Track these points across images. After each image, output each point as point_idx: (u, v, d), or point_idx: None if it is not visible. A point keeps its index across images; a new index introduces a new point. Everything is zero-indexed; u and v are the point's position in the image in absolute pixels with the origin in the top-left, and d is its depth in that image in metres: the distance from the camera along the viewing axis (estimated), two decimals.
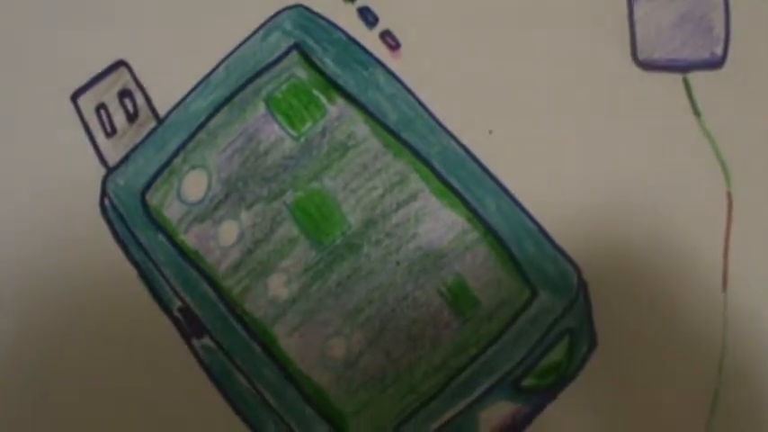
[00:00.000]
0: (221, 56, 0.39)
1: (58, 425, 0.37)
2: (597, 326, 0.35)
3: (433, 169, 0.36)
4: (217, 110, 0.38)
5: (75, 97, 0.39)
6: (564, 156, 0.36)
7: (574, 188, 0.36)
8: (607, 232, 0.36)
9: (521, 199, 0.36)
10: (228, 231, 0.37)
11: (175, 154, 0.38)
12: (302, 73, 0.38)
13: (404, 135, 0.37)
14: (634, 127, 0.36)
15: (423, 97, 0.37)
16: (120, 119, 0.39)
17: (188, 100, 0.38)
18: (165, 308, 0.37)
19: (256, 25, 0.39)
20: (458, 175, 0.36)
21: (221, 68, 0.38)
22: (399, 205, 0.36)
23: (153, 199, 0.38)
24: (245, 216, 0.37)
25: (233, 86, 0.38)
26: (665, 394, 0.35)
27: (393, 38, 0.38)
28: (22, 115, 0.39)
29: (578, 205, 0.36)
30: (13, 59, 0.40)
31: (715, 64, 0.37)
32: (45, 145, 0.39)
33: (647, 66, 0.37)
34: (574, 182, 0.36)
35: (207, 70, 0.39)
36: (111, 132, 0.39)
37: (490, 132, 0.37)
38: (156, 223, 0.37)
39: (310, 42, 0.38)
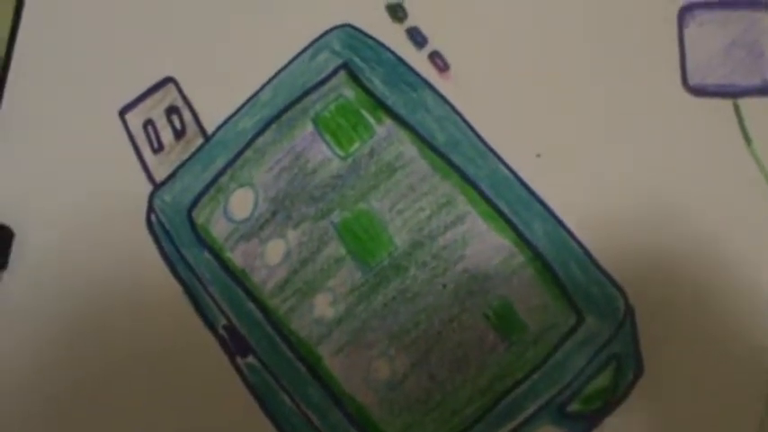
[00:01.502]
0: (269, 74, 0.39)
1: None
2: (644, 352, 0.35)
3: (480, 192, 0.36)
4: (264, 128, 0.38)
5: (123, 113, 0.39)
6: (612, 181, 0.36)
7: (622, 213, 0.36)
8: (655, 258, 0.36)
9: (568, 223, 0.36)
10: (275, 250, 0.37)
11: (222, 171, 0.38)
12: (350, 93, 0.38)
13: (452, 157, 0.37)
14: (684, 153, 0.36)
15: (471, 119, 0.37)
16: (167, 135, 0.39)
17: (236, 118, 0.38)
18: (211, 326, 0.37)
19: (305, 44, 0.39)
20: (505, 199, 0.36)
21: (269, 87, 0.39)
22: (446, 227, 0.36)
23: (199, 216, 0.38)
24: (291, 235, 0.37)
25: (281, 105, 0.38)
26: (710, 423, 0.35)
27: (442, 59, 0.38)
28: (71, 131, 0.39)
29: (626, 230, 0.36)
30: (64, 75, 0.40)
31: (766, 90, 0.36)
32: (93, 160, 0.39)
33: (698, 91, 0.37)
34: (622, 207, 0.36)
35: (255, 88, 0.39)
36: (158, 149, 0.39)
37: (538, 156, 0.37)
38: (203, 240, 0.37)
39: (358, 62, 0.38)
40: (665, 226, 0.36)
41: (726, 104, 0.36)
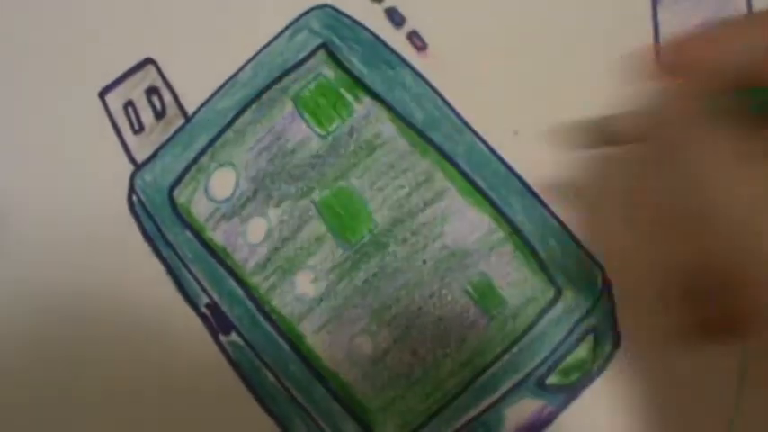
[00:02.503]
0: (249, 55, 0.39)
1: (81, 416, 0.38)
2: (621, 325, 0.36)
3: (458, 169, 0.37)
4: (244, 108, 0.38)
5: (103, 95, 0.39)
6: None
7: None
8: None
9: (545, 199, 0.36)
10: (256, 229, 0.37)
11: (203, 152, 0.38)
12: (329, 72, 0.38)
13: (430, 134, 0.37)
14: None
15: (449, 97, 0.38)
16: (147, 116, 0.39)
17: (216, 98, 0.39)
18: (193, 304, 0.37)
19: (284, 25, 0.39)
20: (483, 175, 0.37)
21: (249, 67, 0.39)
22: (426, 204, 0.37)
23: (181, 196, 0.38)
24: (272, 214, 0.37)
25: (260, 85, 0.38)
26: (687, 393, 0.35)
27: (420, 38, 0.38)
28: (51, 113, 0.39)
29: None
30: (43, 57, 0.40)
31: None
32: (74, 142, 0.39)
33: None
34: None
35: (234, 69, 0.39)
36: (138, 130, 0.39)
37: (516, 133, 0.37)
38: (184, 220, 0.38)
39: (337, 42, 0.38)
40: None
41: None
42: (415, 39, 0.38)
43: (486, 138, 0.37)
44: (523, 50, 0.38)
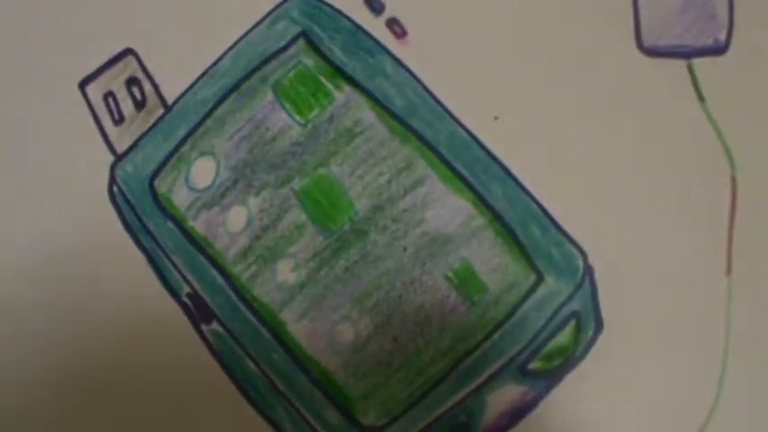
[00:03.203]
0: (228, 44, 0.39)
1: (60, 407, 0.38)
2: (603, 310, 0.36)
3: (439, 155, 0.37)
4: (224, 97, 0.38)
5: (82, 85, 0.39)
6: (568, 141, 0.37)
7: (578, 173, 0.36)
8: (612, 217, 0.36)
9: (526, 184, 0.36)
10: (237, 218, 0.37)
11: (183, 141, 0.38)
12: (309, 60, 0.38)
13: (410, 121, 0.37)
14: (639, 113, 0.37)
15: (429, 84, 0.38)
16: (127, 107, 0.39)
17: (195, 88, 0.39)
18: (175, 294, 0.37)
19: (263, 13, 0.39)
20: (464, 161, 0.37)
21: (228, 56, 0.39)
22: (406, 191, 0.37)
23: (161, 186, 0.38)
24: (253, 202, 0.37)
25: (240, 74, 0.38)
26: (670, 378, 0.35)
27: (399, 25, 0.38)
28: (30, 103, 0.39)
29: (583, 190, 0.36)
30: (21, 47, 0.40)
31: (719, 50, 0.37)
32: (53, 133, 0.39)
33: (652, 52, 0.37)
34: (578, 167, 0.37)
35: (214, 58, 0.39)
36: (119, 120, 0.39)
37: (496, 118, 0.37)
38: (165, 210, 0.38)
39: (317, 30, 0.38)
40: (621, 185, 0.36)
41: (680, 65, 0.37)
42: (395, 26, 0.38)
43: (466, 124, 0.37)
44: (502, 36, 0.38)
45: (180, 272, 0.37)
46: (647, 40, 0.37)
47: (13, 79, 0.40)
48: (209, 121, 0.38)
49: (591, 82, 0.37)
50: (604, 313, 0.36)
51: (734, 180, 0.36)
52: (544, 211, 0.36)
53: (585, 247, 0.36)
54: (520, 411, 0.36)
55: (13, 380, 0.38)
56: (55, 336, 0.38)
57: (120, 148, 0.39)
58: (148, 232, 0.38)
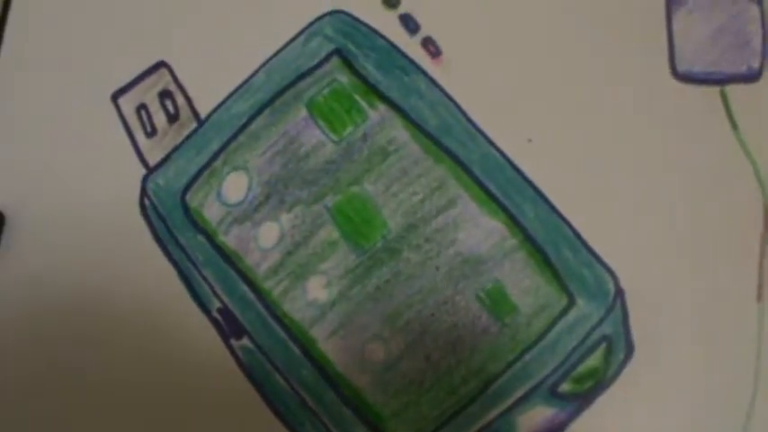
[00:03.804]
0: (262, 59, 0.39)
1: (89, 420, 0.37)
2: (634, 333, 0.36)
3: (472, 176, 0.37)
4: (258, 113, 0.38)
5: (115, 97, 0.39)
6: (602, 165, 0.37)
7: (611, 196, 0.37)
8: (644, 241, 0.36)
9: (559, 206, 0.36)
10: (269, 233, 0.37)
11: (216, 155, 0.38)
12: (344, 78, 0.38)
13: (444, 141, 0.37)
14: (672, 138, 0.37)
15: (463, 104, 0.38)
16: (160, 120, 0.39)
17: (229, 102, 0.39)
18: (205, 309, 0.37)
19: (298, 29, 0.39)
20: (497, 182, 0.37)
21: (262, 72, 0.39)
22: (439, 211, 0.37)
23: (193, 200, 0.38)
24: (285, 218, 0.37)
25: (274, 90, 0.38)
26: (700, 403, 0.35)
27: (434, 45, 0.38)
28: (63, 115, 0.39)
29: (615, 214, 0.36)
30: (56, 59, 0.40)
31: (752, 77, 0.37)
32: (86, 145, 0.39)
33: (686, 78, 0.37)
34: (611, 191, 0.37)
35: (248, 73, 0.39)
36: (151, 133, 0.39)
37: (529, 140, 0.37)
38: (196, 224, 0.38)
39: (352, 48, 0.38)
40: (654, 209, 0.36)
41: (713, 91, 0.37)
42: (430, 45, 0.38)
43: (499, 145, 0.37)
44: (537, 57, 0.38)
45: (210, 286, 0.37)
46: (681, 66, 0.37)
47: (47, 90, 0.40)
48: (241, 136, 0.38)
49: (624, 106, 0.37)
50: (635, 337, 0.36)
51: (766, 207, 0.36)
52: (576, 233, 0.36)
53: (617, 271, 0.36)
54: None
55: (36, 391, 0.38)
56: (80, 347, 0.38)
57: (152, 161, 0.39)
58: (179, 246, 0.38)
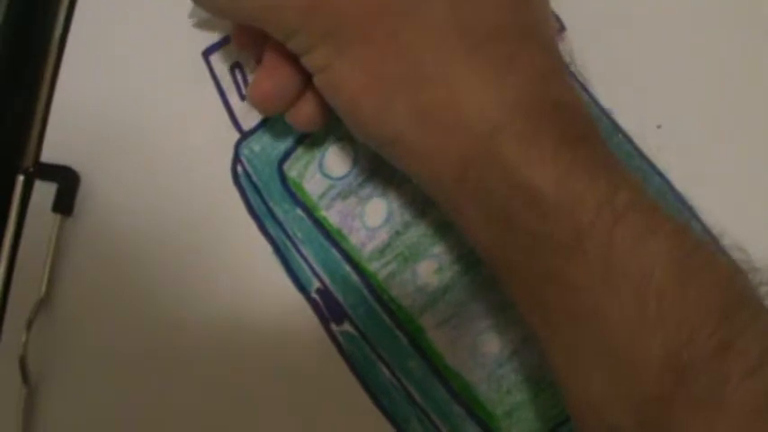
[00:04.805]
0: None
1: (178, 406, 0.34)
2: None
3: None
4: None
5: (207, 54, 0.36)
6: None
7: None
8: None
9: None
10: (375, 211, 0.34)
11: None
12: None
13: None
14: None
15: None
16: None
17: None
18: (303, 289, 0.34)
19: None
20: None
21: None
22: None
23: (291, 170, 0.35)
24: (394, 195, 0.34)
25: None
26: None
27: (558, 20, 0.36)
28: (148, 72, 0.36)
29: None
30: (142, 10, 0.36)
31: None
32: (172, 106, 0.36)
33: None
34: None
35: None
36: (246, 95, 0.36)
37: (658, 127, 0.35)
38: (295, 197, 0.35)
39: None
40: None
41: None
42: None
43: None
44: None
45: (309, 265, 0.34)
46: None
47: (131, 45, 0.36)
48: None
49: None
50: None
51: None
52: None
53: None
54: None
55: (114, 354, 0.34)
56: (162, 321, 0.34)
57: (247, 126, 0.35)
58: (275, 219, 0.35)
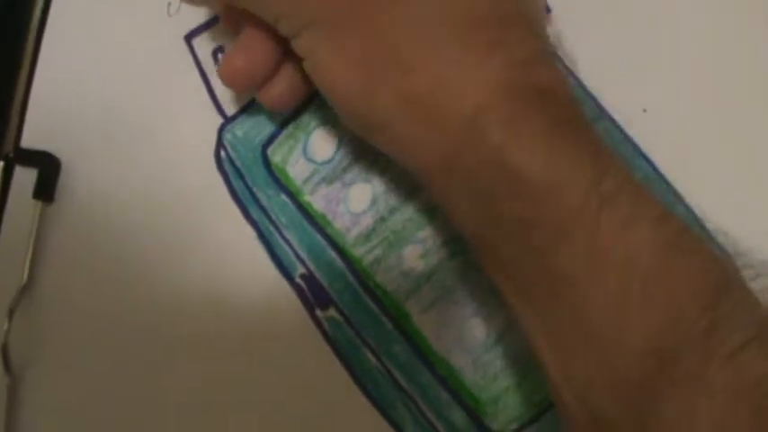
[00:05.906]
0: None
1: (163, 393, 0.34)
2: None
3: None
4: None
5: (189, 38, 0.36)
6: None
7: None
8: None
9: None
10: (360, 195, 0.34)
11: (303, 107, 0.35)
12: None
13: None
14: None
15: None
16: None
17: None
18: (287, 274, 0.34)
19: None
20: None
21: None
22: None
23: (275, 154, 0.34)
24: (378, 180, 0.34)
25: None
26: None
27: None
28: (129, 56, 0.36)
29: None
30: None
31: None
32: (153, 90, 0.35)
33: None
34: None
35: None
36: None
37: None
38: (279, 181, 0.34)
39: None
40: None
41: None
42: None
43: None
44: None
45: (294, 250, 0.34)
46: None
47: (111, 28, 0.36)
48: None
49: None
50: None
51: None
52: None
53: None
54: None
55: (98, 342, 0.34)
56: (144, 307, 0.34)
57: (230, 110, 0.35)
58: (259, 204, 0.34)
